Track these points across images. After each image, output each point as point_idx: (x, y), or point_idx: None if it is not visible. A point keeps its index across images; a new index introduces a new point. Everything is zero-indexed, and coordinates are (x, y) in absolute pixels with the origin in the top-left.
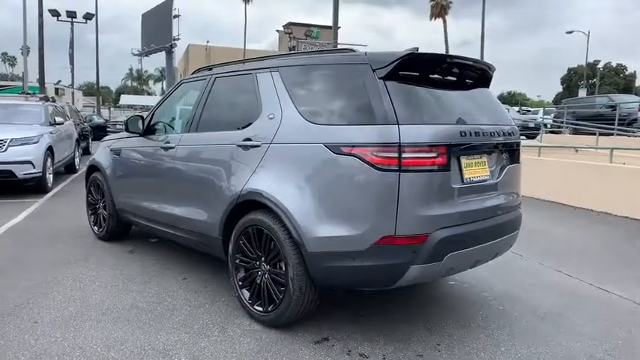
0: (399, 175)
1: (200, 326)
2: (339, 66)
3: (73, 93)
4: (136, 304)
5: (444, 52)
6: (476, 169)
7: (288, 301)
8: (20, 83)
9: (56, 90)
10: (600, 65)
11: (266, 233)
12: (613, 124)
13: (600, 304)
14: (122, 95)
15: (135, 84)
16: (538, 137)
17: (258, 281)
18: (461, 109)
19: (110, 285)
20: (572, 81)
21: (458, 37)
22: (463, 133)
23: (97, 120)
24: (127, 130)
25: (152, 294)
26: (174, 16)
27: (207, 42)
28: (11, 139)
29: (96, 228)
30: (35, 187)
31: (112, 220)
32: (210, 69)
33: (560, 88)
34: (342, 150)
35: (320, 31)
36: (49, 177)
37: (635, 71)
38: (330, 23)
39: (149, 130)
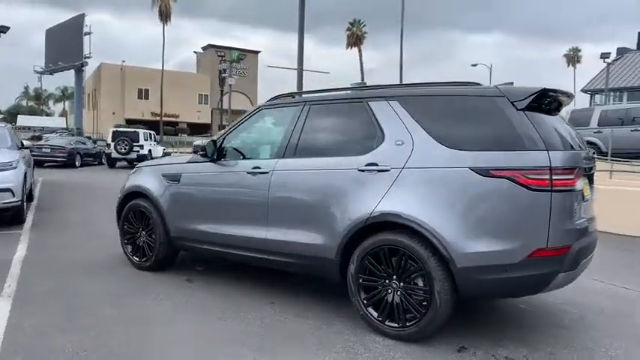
0: (551, 194)
1: (341, 347)
2: (474, 97)
3: None
4: (252, 331)
5: (361, 80)
6: (585, 189)
7: (433, 314)
8: None
9: None
10: None
11: (402, 252)
12: None
13: None
14: (19, 116)
15: (31, 103)
16: None
17: (390, 299)
18: (566, 135)
19: (203, 313)
20: None
21: (355, 66)
22: (585, 158)
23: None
24: (205, 155)
25: (255, 320)
26: (86, 33)
27: (123, 61)
28: None
29: (136, 258)
30: (12, 217)
31: (162, 248)
32: (294, 96)
33: None
34: (491, 173)
35: (242, 54)
36: (24, 205)
37: None
38: (247, 47)
39: (219, 156)
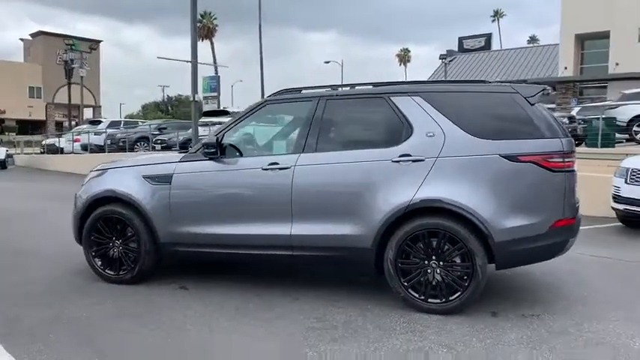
0: (565, 174)
1: (401, 328)
2: (493, 94)
3: None
4: (304, 326)
5: (215, 73)
6: None
7: (475, 286)
8: None
9: None
10: None
11: (442, 233)
12: None
13: (599, 263)
14: None
15: None
16: None
17: (430, 278)
18: (559, 123)
19: (236, 318)
20: None
21: (207, 59)
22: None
23: None
24: (208, 153)
25: (296, 318)
26: None
27: None
28: None
29: (110, 271)
30: None
31: (148, 257)
32: (300, 91)
33: None
34: (518, 158)
35: (79, 43)
36: None
37: None
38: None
39: (221, 153)
